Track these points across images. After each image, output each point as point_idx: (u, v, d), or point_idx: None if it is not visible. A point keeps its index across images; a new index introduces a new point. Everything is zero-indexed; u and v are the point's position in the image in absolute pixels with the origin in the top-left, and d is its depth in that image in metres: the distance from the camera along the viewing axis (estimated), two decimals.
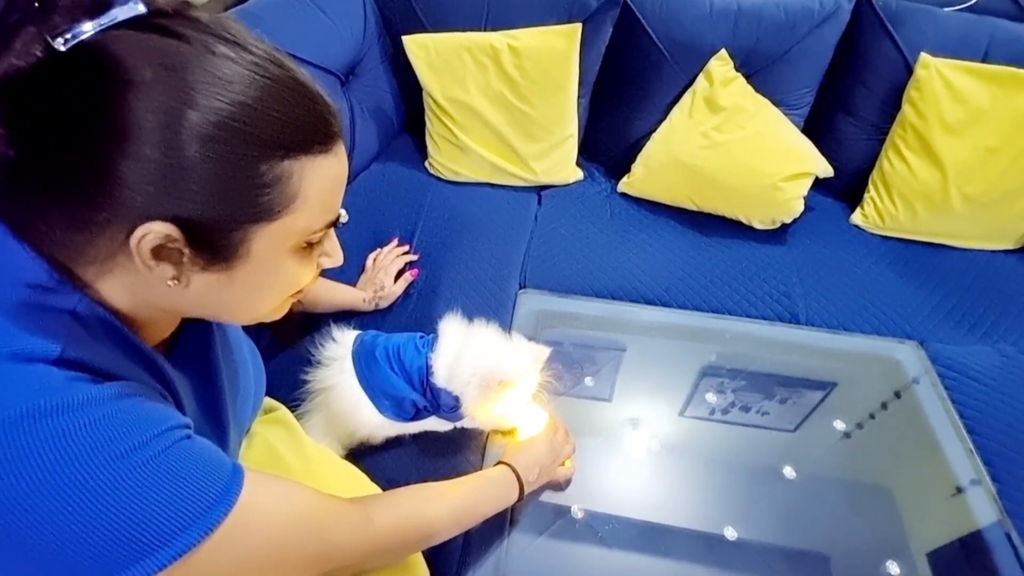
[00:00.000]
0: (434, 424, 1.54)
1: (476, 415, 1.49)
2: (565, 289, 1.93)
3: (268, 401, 1.42)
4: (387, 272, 1.89)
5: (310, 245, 0.85)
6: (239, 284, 0.80)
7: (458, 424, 1.54)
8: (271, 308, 0.88)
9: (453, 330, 1.57)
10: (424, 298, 1.82)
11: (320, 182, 0.79)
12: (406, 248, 2.00)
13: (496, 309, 1.82)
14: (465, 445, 1.55)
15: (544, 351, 1.50)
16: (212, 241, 0.75)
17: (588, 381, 1.73)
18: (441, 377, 1.44)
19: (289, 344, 1.72)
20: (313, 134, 0.77)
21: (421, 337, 1.63)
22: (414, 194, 2.16)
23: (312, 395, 1.51)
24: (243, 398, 1.08)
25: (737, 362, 1.75)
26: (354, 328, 1.67)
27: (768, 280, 1.95)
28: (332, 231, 0.88)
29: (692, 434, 1.61)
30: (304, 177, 0.77)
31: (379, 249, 1.98)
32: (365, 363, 1.56)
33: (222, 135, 0.71)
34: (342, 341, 1.61)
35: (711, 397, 1.67)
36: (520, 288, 1.94)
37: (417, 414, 1.50)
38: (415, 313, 1.78)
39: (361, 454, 1.50)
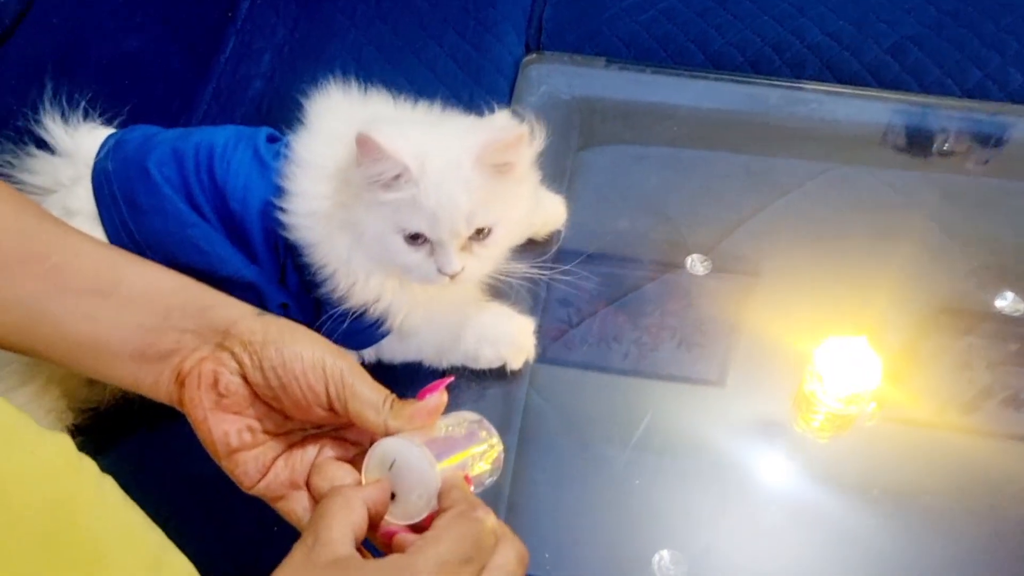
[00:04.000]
0: None
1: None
2: (614, 50, 1.01)
3: None
4: None
5: None
6: None
7: (367, 358, 0.76)
8: None
9: (345, 111, 0.70)
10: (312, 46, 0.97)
11: None
12: None
13: (476, 91, 0.95)
14: None
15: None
16: None
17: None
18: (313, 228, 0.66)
19: None
20: None
21: (269, 137, 0.71)
22: None
23: None
24: None
25: None
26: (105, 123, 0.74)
27: None
28: None
29: None
30: None
31: None
32: (121, 191, 0.68)
33: None
34: (72, 142, 0.72)
35: None
36: (528, 51, 1.02)
37: None
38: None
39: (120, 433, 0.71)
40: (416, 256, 0.65)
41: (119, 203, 0.67)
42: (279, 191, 0.66)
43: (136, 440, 0.73)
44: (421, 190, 0.61)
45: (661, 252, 0.87)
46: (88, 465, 0.48)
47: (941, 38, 1.00)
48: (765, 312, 0.82)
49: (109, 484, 0.48)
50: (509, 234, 0.68)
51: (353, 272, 0.66)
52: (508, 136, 0.63)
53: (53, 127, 0.72)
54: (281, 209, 0.65)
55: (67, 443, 0.47)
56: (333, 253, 0.66)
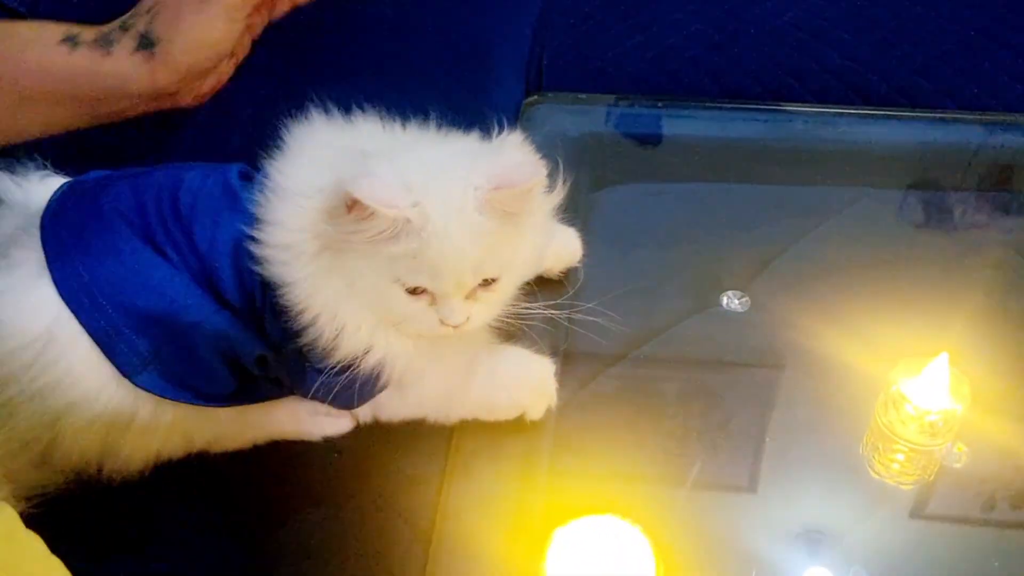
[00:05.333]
0: (291, 417, 0.67)
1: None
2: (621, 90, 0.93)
3: None
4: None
5: None
6: None
7: (363, 416, 0.66)
8: None
9: (327, 137, 0.60)
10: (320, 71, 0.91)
11: None
12: None
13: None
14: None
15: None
16: None
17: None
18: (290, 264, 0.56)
19: None
20: None
21: (242, 174, 0.62)
22: None
23: None
24: None
25: None
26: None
27: None
28: None
29: None
30: None
31: None
32: (71, 235, 0.59)
33: None
34: (21, 191, 0.62)
35: None
36: (528, 95, 0.94)
37: (241, 383, 0.62)
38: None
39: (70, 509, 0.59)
40: (416, 307, 0.56)
41: (68, 248, 0.57)
42: (252, 220, 0.57)
43: (88, 528, 0.62)
44: (423, 242, 0.53)
45: (693, 290, 0.77)
46: None
47: (973, 55, 0.94)
48: (818, 346, 0.71)
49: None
50: (519, 278, 0.60)
51: (340, 319, 0.56)
52: (523, 182, 0.54)
53: None
54: (254, 239, 0.56)
55: None
56: (317, 296, 0.56)
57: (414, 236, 0.53)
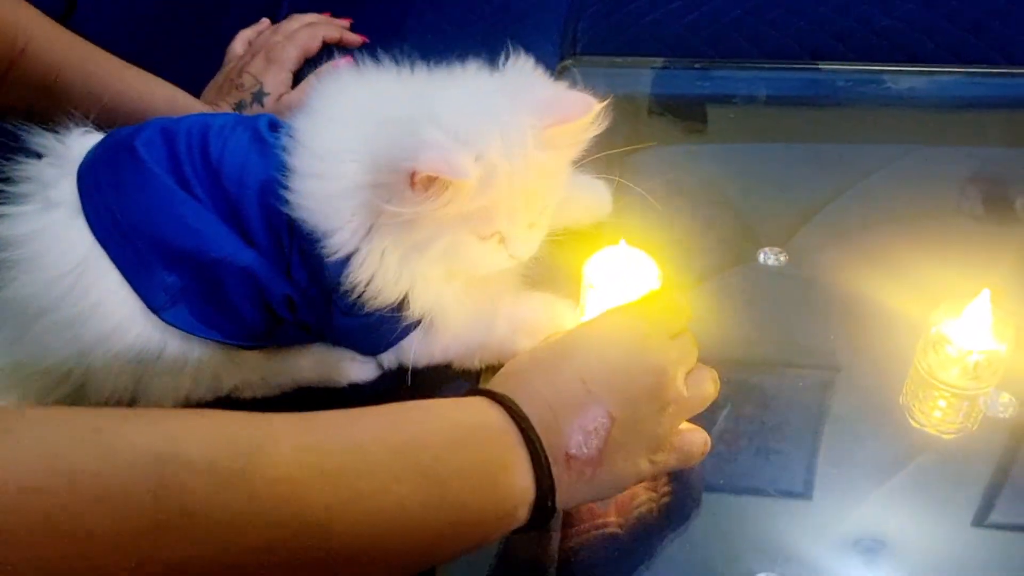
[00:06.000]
0: (317, 363, 0.66)
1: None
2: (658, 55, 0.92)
3: None
4: (279, 58, 0.87)
5: None
6: None
7: (387, 362, 0.65)
8: None
9: (358, 81, 0.61)
10: None
11: None
12: (330, 17, 0.95)
13: None
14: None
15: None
16: None
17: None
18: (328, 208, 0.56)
19: None
20: None
21: (271, 124, 0.62)
22: None
23: None
24: None
25: None
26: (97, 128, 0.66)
27: None
28: None
29: None
30: None
31: (263, 22, 0.95)
32: (105, 174, 0.60)
33: None
34: (62, 146, 0.62)
35: None
36: (563, 57, 0.93)
37: (267, 326, 0.62)
38: None
39: None
40: (487, 248, 0.57)
41: (103, 188, 0.59)
42: (282, 168, 0.57)
43: None
44: (495, 193, 0.53)
45: (729, 246, 0.75)
46: None
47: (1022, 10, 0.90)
48: (857, 296, 0.68)
49: None
50: (559, 200, 0.60)
51: (403, 280, 0.57)
52: (579, 115, 0.54)
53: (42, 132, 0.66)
54: (285, 187, 0.56)
55: None
56: (370, 262, 0.56)
57: (485, 190, 0.53)
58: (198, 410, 0.41)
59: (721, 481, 0.57)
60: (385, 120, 0.56)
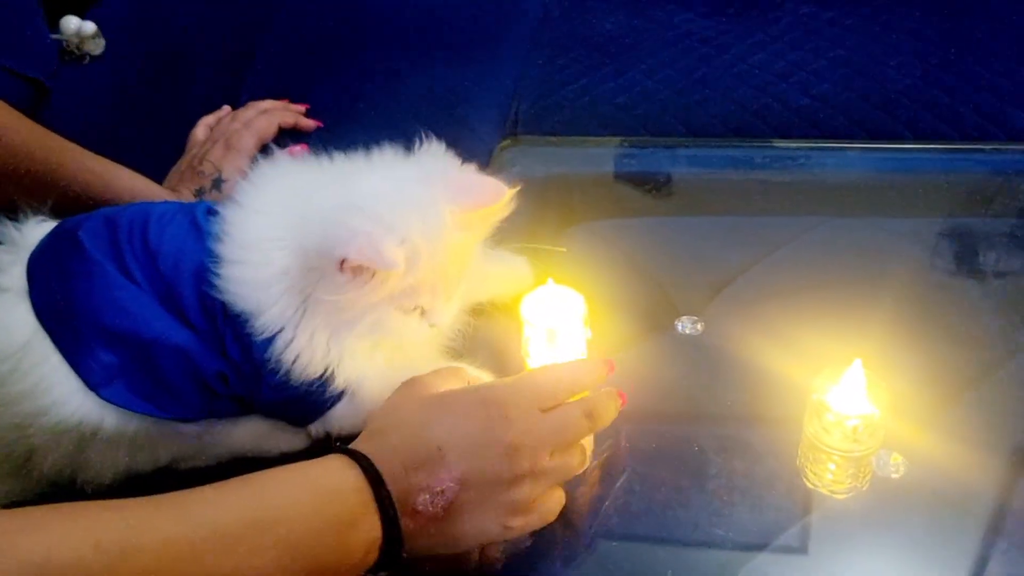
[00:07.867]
0: (250, 434, 0.70)
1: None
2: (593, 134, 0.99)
3: None
4: (237, 146, 0.93)
5: None
6: None
7: (315, 431, 0.69)
8: None
9: (282, 171, 0.67)
10: None
11: None
12: (287, 103, 1.01)
13: None
14: None
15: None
16: None
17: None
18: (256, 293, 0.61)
19: None
20: None
21: (209, 210, 0.67)
22: None
23: None
24: None
25: None
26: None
27: None
28: None
29: None
30: None
31: (224, 108, 1.01)
32: (51, 262, 0.65)
33: None
34: (18, 233, 0.68)
35: None
36: (503, 138, 1.00)
37: (202, 401, 0.65)
38: None
39: None
40: (410, 321, 0.63)
41: (49, 274, 0.64)
42: (215, 256, 0.62)
43: None
44: (419, 273, 0.59)
45: (650, 316, 0.80)
46: None
47: (931, 89, 0.96)
48: (762, 365, 0.73)
49: None
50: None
51: (329, 354, 0.62)
52: (495, 200, 0.61)
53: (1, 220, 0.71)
54: (217, 274, 0.61)
55: None
56: (299, 338, 0.61)
57: (410, 271, 0.58)
58: (76, 508, 0.47)
59: (619, 535, 0.61)
60: (311, 209, 0.61)
